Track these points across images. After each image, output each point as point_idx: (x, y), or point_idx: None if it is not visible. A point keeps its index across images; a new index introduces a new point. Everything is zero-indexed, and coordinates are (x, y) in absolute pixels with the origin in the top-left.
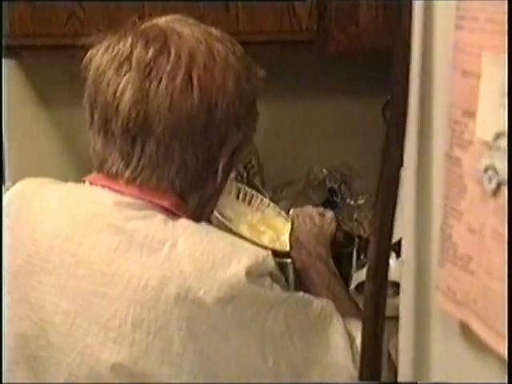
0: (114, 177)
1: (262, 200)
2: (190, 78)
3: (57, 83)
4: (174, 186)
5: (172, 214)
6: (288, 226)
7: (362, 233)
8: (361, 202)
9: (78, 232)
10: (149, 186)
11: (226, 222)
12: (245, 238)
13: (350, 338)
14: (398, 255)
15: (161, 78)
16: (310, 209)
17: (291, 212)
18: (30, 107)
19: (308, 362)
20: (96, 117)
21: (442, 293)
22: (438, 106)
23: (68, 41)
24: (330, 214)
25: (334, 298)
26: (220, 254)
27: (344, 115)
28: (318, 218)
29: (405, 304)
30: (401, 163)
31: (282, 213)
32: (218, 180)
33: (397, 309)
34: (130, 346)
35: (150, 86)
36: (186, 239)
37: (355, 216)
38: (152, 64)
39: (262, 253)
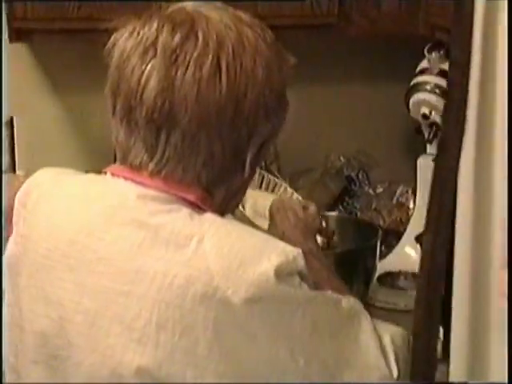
0: (137, 169)
1: (286, 189)
2: (219, 66)
3: (69, 68)
4: (200, 179)
5: (198, 207)
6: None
7: (381, 223)
8: (379, 190)
9: (99, 226)
10: (174, 178)
11: (248, 215)
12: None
13: (379, 336)
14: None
15: (187, 65)
16: (291, 201)
17: (270, 205)
18: (41, 92)
19: (339, 362)
20: (119, 105)
21: (503, 295)
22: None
23: (81, 25)
24: (312, 207)
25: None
26: (248, 251)
27: (363, 101)
28: (301, 212)
29: (458, 306)
30: (458, 154)
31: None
32: (246, 173)
33: None
34: (154, 348)
35: (176, 73)
36: (213, 235)
37: (374, 205)
38: (178, 50)
39: (292, 251)
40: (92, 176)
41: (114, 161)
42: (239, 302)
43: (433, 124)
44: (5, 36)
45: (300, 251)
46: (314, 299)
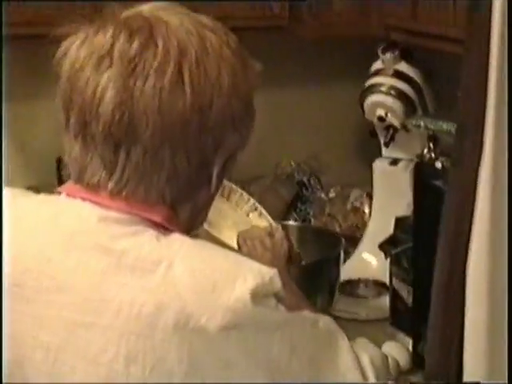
0: (95, 188)
1: (241, 195)
2: (181, 75)
3: (17, 76)
4: (164, 197)
5: (163, 228)
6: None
7: (337, 228)
8: (332, 195)
9: (57, 252)
10: (136, 198)
11: (206, 227)
12: (230, 247)
13: (357, 356)
14: (386, 255)
15: (147, 75)
16: (257, 231)
17: (237, 236)
18: None
19: None
20: (73, 119)
21: None
22: None
23: (31, 30)
24: (278, 233)
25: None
26: (222, 274)
27: (315, 104)
28: (268, 241)
29: (475, 307)
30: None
31: (263, 211)
32: (213, 187)
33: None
34: None
35: (135, 84)
36: (183, 258)
37: (327, 210)
38: (137, 59)
39: (269, 272)
40: (45, 197)
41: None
42: (215, 330)
43: (389, 126)
44: None
45: (276, 272)
46: (292, 321)
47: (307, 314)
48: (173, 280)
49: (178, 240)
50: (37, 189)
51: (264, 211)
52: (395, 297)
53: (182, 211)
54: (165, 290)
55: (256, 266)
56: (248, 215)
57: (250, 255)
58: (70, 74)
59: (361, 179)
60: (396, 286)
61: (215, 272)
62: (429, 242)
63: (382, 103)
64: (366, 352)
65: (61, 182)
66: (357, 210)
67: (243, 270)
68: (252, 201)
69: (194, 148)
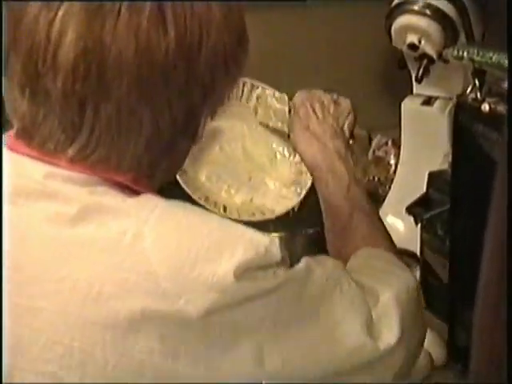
0: (50, 154)
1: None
2: (162, 11)
3: None
4: (140, 164)
5: (130, 190)
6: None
7: None
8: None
9: None
10: (105, 166)
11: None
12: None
13: (371, 298)
14: (416, 220)
15: (119, 11)
16: (319, 94)
17: (295, 97)
18: None
19: (310, 354)
20: (18, 67)
21: None
22: None
23: None
24: (346, 103)
25: (352, 210)
26: (205, 245)
27: (327, 28)
28: (332, 107)
29: None
30: None
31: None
32: (198, 138)
33: None
34: None
35: (103, 24)
36: (155, 226)
37: None
38: None
39: (264, 240)
40: None
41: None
42: (196, 315)
43: (423, 57)
44: None
45: (274, 239)
46: (280, 286)
47: (303, 266)
48: (142, 253)
49: (148, 203)
50: None
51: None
52: (427, 272)
53: (161, 169)
54: (131, 265)
55: (248, 233)
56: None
57: (308, 118)
58: (14, 7)
59: (386, 122)
60: (428, 259)
61: (196, 243)
62: (470, 205)
63: (413, 26)
64: (388, 287)
65: None
66: (380, 161)
67: (232, 239)
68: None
69: (179, 103)
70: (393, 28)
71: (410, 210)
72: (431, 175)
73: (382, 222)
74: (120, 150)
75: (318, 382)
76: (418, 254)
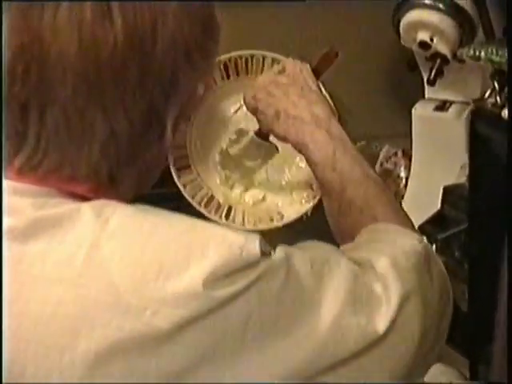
0: None
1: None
2: (107, 1)
3: None
4: (98, 172)
5: (89, 200)
6: None
7: None
8: None
9: None
10: (58, 176)
11: None
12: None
13: (368, 270)
14: (430, 240)
15: (58, 2)
16: (262, 79)
17: (244, 101)
18: None
19: (307, 349)
20: None
21: None
22: None
23: None
24: (288, 61)
25: (343, 183)
26: (171, 250)
27: (334, 24)
28: (282, 78)
29: None
30: None
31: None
32: (167, 142)
33: None
34: None
35: (41, 17)
36: (114, 233)
37: None
38: None
39: (239, 240)
40: None
41: None
42: (164, 327)
43: (436, 55)
44: None
45: (253, 236)
46: (263, 277)
47: (279, 257)
48: (100, 265)
49: (104, 209)
50: None
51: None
52: None
53: (126, 178)
54: (89, 280)
55: (221, 233)
56: None
57: (270, 106)
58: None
59: (394, 131)
60: None
61: (160, 249)
62: (491, 223)
63: (425, 22)
64: (384, 254)
65: None
66: (388, 174)
67: (202, 242)
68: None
69: (135, 102)
70: (401, 24)
71: (422, 229)
72: (446, 190)
73: (383, 185)
74: (73, 158)
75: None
76: None
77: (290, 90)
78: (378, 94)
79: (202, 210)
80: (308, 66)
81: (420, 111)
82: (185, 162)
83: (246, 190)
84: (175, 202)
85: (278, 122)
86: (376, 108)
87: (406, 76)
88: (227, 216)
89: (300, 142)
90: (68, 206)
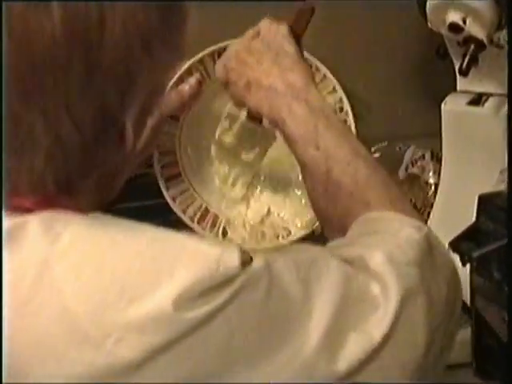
0: None
1: None
2: None
3: None
4: (44, 183)
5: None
6: None
7: None
8: (375, 155)
9: None
10: None
11: None
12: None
13: (361, 271)
14: (464, 259)
15: None
16: (233, 47)
17: (216, 69)
18: None
19: (301, 368)
20: None
21: None
22: None
23: None
24: (263, 22)
25: (328, 162)
26: (135, 268)
27: (351, 11)
28: (255, 44)
29: None
30: None
31: None
32: (129, 145)
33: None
34: None
35: None
36: (67, 250)
37: None
38: None
39: (215, 253)
40: None
41: None
42: (131, 357)
43: (469, 40)
44: None
45: (229, 246)
46: (241, 291)
47: (259, 263)
48: (51, 286)
49: (55, 223)
50: None
51: None
52: (481, 327)
53: (81, 188)
54: (41, 304)
55: (193, 245)
56: None
57: (242, 77)
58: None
59: (421, 129)
60: (482, 310)
61: (122, 267)
62: None
63: (456, 3)
64: (379, 249)
65: None
66: (414, 181)
67: (171, 257)
68: None
69: (83, 103)
70: (428, 4)
71: (455, 245)
72: (482, 199)
73: (375, 163)
74: (13, 169)
75: None
76: (469, 303)
77: (264, 57)
78: (402, 86)
79: (195, 226)
80: (286, 26)
81: (451, 106)
82: (174, 171)
83: (248, 203)
84: (165, 216)
85: (249, 94)
86: (399, 103)
87: (434, 65)
88: (224, 233)
89: (275, 117)
90: (12, 220)
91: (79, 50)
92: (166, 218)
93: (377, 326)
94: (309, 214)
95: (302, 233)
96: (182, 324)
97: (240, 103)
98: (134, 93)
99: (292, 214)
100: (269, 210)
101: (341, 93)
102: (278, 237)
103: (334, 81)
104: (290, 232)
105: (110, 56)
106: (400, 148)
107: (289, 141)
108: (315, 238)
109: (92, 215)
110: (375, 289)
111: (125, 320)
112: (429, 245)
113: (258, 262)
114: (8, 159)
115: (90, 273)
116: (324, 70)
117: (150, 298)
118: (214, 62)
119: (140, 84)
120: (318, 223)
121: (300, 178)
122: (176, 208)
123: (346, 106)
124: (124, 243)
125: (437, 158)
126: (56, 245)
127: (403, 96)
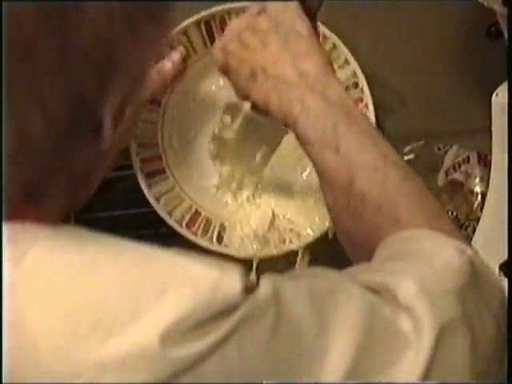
0: None
1: None
2: None
3: None
4: (7, 188)
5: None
6: None
7: None
8: (409, 156)
9: None
10: None
11: None
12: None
13: (388, 301)
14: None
15: None
16: (234, 25)
17: (214, 50)
18: None
19: None
20: None
21: None
22: None
23: None
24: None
25: (350, 170)
26: (113, 294)
27: None
28: (261, 22)
29: None
30: None
31: None
32: (106, 140)
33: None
34: None
35: None
36: (33, 272)
37: None
38: None
39: (212, 276)
40: None
41: None
42: None
43: None
44: None
45: (230, 267)
46: (245, 323)
47: (267, 288)
48: (15, 313)
49: (23, 236)
50: None
51: None
52: None
53: (50, 192)
54: (9, 338)
55: (183, 266)
56: None
57: (244, 63)
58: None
59: (466, 126)
60: None
61: (98, 293)
62: None
63: None
64: (409, 276)
65: None
66: (458, 188)
67: (158, 280)
68: None
69: (54, 91)
70: None
71: (506, 268)
72: None
73: (407, 169)
74: None
75: None
76: None
77: (271, 38)
78: (443, 75)
79: (184, 231)
80: (297, 3)
81: (503, 99)
82: (157, 166)
83: (249, 205)
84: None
85: (254, 84)
86: (440, 95)
87: (483, 48)
88: (219, 238)
89: (286, 113)
90: None
91: (50, 30)
92: (157, 229)
93: (408, 370)
94: (317, 217)
95: (312, 237)
96: (169, 364)
97: (243, 95)
98: (114, 78)
99: (300, 215)
100: (273, 213)
101: (354, 65)
102: (284, 241)
103: (346, 50)
104: (298, 235)
105: (87, 35)
106: (439, 148)
107: (303, 143)
108: (328, 242)
109: (64, 228)
110: (405, 324)
111: (100, 358)
112: (473, 270)
113: (263, 288)
114: None
115: (59, 300)
116: (334, 38)
117: (131, 331)
118: (201, 33)
119: (122, 67)
120: (328, 225)
121: (306, 175)
122: (160, 210)
123: (362, 82)
124: (100, 263)
125: (485, 162)
126: (21, 265)
127: (444, 85)
